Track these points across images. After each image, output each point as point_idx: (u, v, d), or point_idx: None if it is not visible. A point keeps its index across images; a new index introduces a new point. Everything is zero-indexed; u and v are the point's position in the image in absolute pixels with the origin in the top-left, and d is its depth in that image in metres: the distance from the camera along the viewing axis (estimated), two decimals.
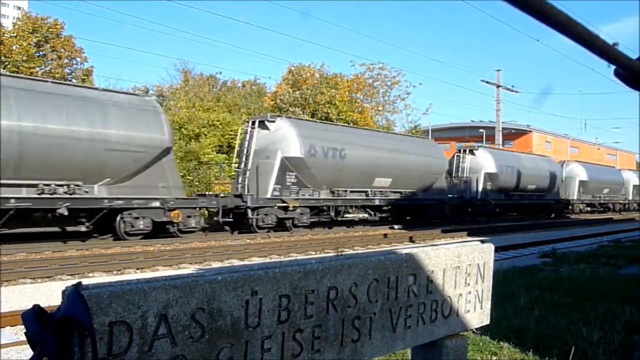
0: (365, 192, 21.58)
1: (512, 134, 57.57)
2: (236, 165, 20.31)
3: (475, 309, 3.07)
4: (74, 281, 1.97)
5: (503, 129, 42.31)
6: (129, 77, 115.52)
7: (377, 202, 22.22)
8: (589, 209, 40.21)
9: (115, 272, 10.67)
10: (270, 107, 34.09)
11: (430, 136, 43.26)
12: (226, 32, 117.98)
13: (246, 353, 1.92)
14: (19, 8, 61.81)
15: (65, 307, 1.52)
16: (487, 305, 3.18)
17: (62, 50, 30.02)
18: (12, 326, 6.08)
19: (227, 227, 18.42)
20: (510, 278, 8.11)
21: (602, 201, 41.57)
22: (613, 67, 1.08)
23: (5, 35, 28.57)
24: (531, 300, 6.28)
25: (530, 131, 61.27)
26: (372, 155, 21.31)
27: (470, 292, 3.02)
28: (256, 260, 12.96)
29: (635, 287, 7.44)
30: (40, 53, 29.25)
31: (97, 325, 1.54)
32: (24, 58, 27.62)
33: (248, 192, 18.10)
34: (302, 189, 19.21)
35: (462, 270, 2.95)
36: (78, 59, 31.63)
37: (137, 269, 11.11)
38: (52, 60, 29.77)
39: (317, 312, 2.17)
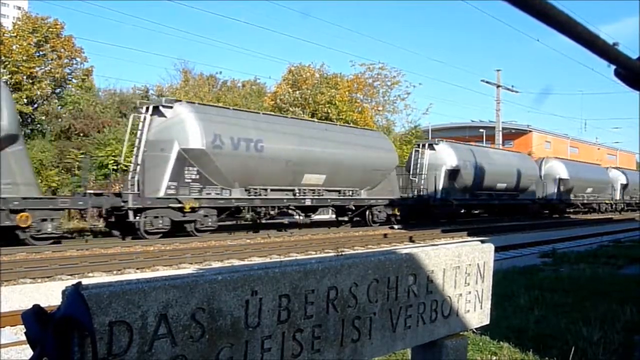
0: (292, 190, 18.83)
1: (512, 134, 57.58)
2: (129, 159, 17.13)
3: (475, 309, 3.07)
4: (74, 281, 1.97)
5: (503, 129, 42.31)
6: (129, 77, 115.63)
7: (307, 203, 19.44)
8: (570, 210, 37.81)
9: (115, 272, 10.67)
10: (270, 107, 34.09)
11: (430, 136, 43.28)
12: (226, 32, 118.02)
13: (246, 353, 1.92)
14: (19, 8, 61.77)
15: (65, 307, 1.52)
16: (487, 305, 3.18)
17: (62, 50, 30.02)
18: (12, 326, 6.08)
19: (115, 232, 15.87)
20: (510, 278, 8.11)
21: (585, 201, 38.83)
22: (613, 67, 1.08)
23: (5, 35, 28.56)
24: (531, 300, 6.29)
25: (530, 131, 61.29)
26: (298, 149, 18.52)
27: (470, 292, 3.02)
28: (256, 260, 12.96)
29: (635, 287, 7.44)
30: (40, 53, 29.25)
31: (97, 325, 1.54)
32: (24, 58, 27.62)
33: (138, 189, 15.29)
34: (207, 187, 16.34)
35: (462, 270, 2.95)
36: (78, 59, 31.65)
37: (137, 269, 11.12)
38: (52, 60, 29.77)
39: (317, 312, 2.17)
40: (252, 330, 1.94)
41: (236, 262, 12.52)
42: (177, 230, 16.12)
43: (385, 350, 2.59)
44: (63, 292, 1.57)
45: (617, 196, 43.84)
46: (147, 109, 16.47)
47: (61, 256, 12.11)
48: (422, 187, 24.93)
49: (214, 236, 16.76)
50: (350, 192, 21.19)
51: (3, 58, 26.80)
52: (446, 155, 25.88)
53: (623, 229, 22.15)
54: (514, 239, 17.97)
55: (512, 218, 28.88)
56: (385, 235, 18.56)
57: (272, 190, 18.24)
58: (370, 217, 22.09)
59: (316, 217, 22.34)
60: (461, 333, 3.06)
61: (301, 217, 20.73)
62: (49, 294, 7.97)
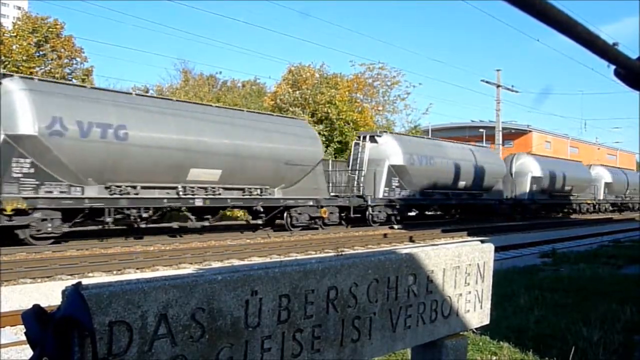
0: (175, 188, 15.52)
1: (512, 134, 57.61)
2: None
3: (475, 308, 3.07)
4: (74, 281, 1.97)
5: (503, 129, 42.30)
6: (129, 77, 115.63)
7: (198, 203, 16.05)
8: (544, 211, 34.47)
9: (115, 272, 10.67)
10: (270, 107, 34.09)
11: (430, 136, 43.27)
12: (226, 32, 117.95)
13: (246, 353, 1.92)
14: (19, 8, 61.79)
15: (65, 307, 1.52)
16: (487, 305, 3.18)
17: (62, 50, 30.01)
18: (12, 326, 6.08)
19: None
20: (510, 278, 8.11)
21: (563, 201, 35.95)
22: (613, 67, 1.08)
23: (5, 35, 28.55)
24: (531, 300, 6.29)
25: (530, 131, 61.32)
26: (180, 139, 15.14)
27: (470, 292, 3.02)
28: (256, 260, 12.96)
29: (635, 287, 7.44)
30: (40, 53, 29.24)
31: (97, 325, 1.54)
32: (24, 58, 27.61)
33: None
34: (47, 184, 13.20)
35: (462, 270, 2.95)
36: (78, 59, 31.63)
37: (137, 269, 11.12)
38: (52, 60, 29.77)
39: (317, 312, 2.17)
40: (252, 330, 1.94)
41: (236, 262, 12.52)
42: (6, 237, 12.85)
43: (385, 350, 2.59)
44: (63, 292, 1.57)
45: (601, 195, 40.87)
46: None
47: (61, 256, 12.11)
48: (361, 185, 22.36)
49: (214, 236, 16.76)
50: (259, 191, 17.80)
51: (3, 58, 26.80)
52: (390, 149, 22.87)
53: (623, 229, 22.15)
54: (514, 239, 17.98)
55: (478, 220, 26.33)
56: (385, 235, 18.56)
57: (143, 187, 14.98)
58: (289, 220, 19.05)
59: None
60: (461, 333, 3.06)
61: (192, 221, 16.79)
62: (49, 294, 7.97)
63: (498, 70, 39.27)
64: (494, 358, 4.25)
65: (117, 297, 1.59)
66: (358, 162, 22.94)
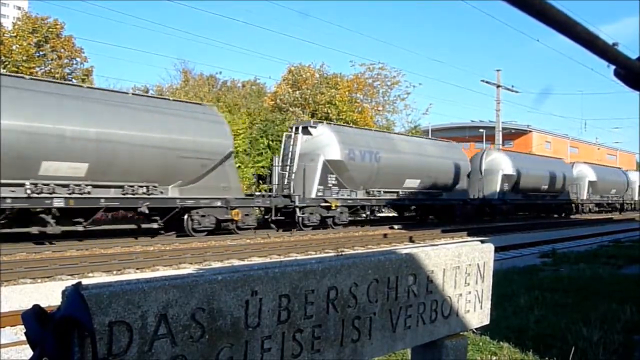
0: (22, 185, 12.77)
1: (512, 134, 57.64)
2: None
3: (475, 309, 3.07)
4: (74, 281, 1.97)
5: (503, 129, 42.32)
6: (129, 77, 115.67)
7: (58, 204, 13.30)
8: (519, 212, 31.88)
9: (115, 272, 10.67)
10: (271, 107, 34.11)
11: (430, 136, 43.26)
12: (226, 32, 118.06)
13: (246, 353, 1.92)
14: (19, 8, 61.80)
15: (65, 307, 1.52)
16: (487, 305, 3.18)
17: (62, 50, 30.02)
18: (12, 326, 6.08)
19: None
20: (510, 278, 8.11)
21: (540, 201, 32.97)
22: (613, 67, 1.08)
23: (5, 35, 28.55)
24: (531, 300, 6.29)
25: (530, 131, 61.34)
26: (27, 125, 12.53)
27: (470, 292, 3.02)
28: (256, 260, 12.96)
29: (635, 287, 7.44)
30: (40, 53, 29.25)
31: (97, 325, 1.54)
32: (24, 58, 27.62)
33: None
34: None
35: (462, 270, 2.95)
36: (78, 59, 31.64)
37: (137, 269, 11.12)
38: (52, 60, 29.78)
39: (317, 312, 2.17)
40: (252, 331, 1.94)
41: (236, 262, 12.52)
42: None
43: (385, 350, 2.59)
44: (63, 292, 1.57)
45: (584, 195, 37.94)
46: None
47: (61, 256, 12.12)
48: (291, 183, 19.97)
49: (214, 236, 16.76)
50: (145, 189, 15.01)
51: (3, 58, 26.80)
52: (326, 142, 20.15)
53: (623, 229, 22.15)
54: (514, 239, 17.98)
55: (439, 223, 24.09)
56: (385, 235, 18.56)
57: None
58: (190, 223, 16.31)
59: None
60: (461, 333, 3.06)
61: (52, 225, 13.66)
62: (49, 294, 7.97)
63: (498, 70, 39.36)
64: (494, 358, 4.26)
65: (117, 297, 1.59)
66: (289, 157, 20.25)
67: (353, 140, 21.09)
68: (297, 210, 19.24)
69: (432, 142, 27.72)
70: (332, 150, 20.10)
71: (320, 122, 22.27)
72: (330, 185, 20.25)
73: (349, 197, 20.98)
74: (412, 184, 23.50)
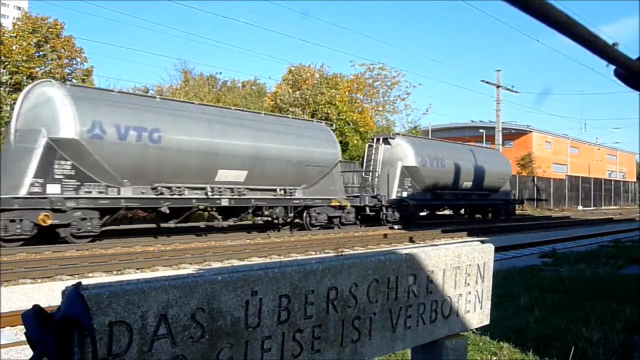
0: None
1: (512, 134, 57.68)
2: None
3: (475, 309, 3.07)
4: (74, 281, 1.97)
5: (503, 129, 42.32)
6: (129, 77, 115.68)
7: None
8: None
9: (115, 272, 10.67)
10: (271, 107, 34.09)
11: (430, 136, 43.26)
12: (226, 32, 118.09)
13: (246, 353, 1.92)
14: (19, 8, 61.82)
15: (65, 307, 1.52)
16: (487, 305, 3.17)
17: (62, 50, 29.99)
18: (12, 326, 6.07)
19: None
20: (510, 278, 8.11)
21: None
22: (613, 67, 1.08)
23: (5, 35, 28.55)
24: (531, 300, 6.28)
25: (530, 131, 61.35)
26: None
27: (470, 292, 3.02)
28: (256, 260, 12.95)
29: (635, 287, 7.43)
30: (40, 53, 29.23)
31: (97, 325, 1.54)
32: (24, 58, 27.60)
33: None
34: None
35: (462, 270, 2.95)
36: (78, 59, 31.60)
37: (137, 269, 11.11)
38: (52, 60, 29.75)
39: (317, 312, 2.17)
40: (252, 331, 1.94)
41: (236, 263, 12.51)
42: None
43: (385, 350, 2.59)
44: (63, 293, 1.57)
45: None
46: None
47: (61, 256, 12.11)
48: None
49: (214, 236, 16.75)
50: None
51: (3, 58, 26.80)
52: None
53: (623, 229, 22.14)
54: (514, 239, 17.97)
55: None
56: (385, 236, 18.54)
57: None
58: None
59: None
60: (461, 333, 3.06)
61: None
62: (49, 294, 7.97)
63: (498, 70, 39.34)
64: (494, 358, 4.25)
65: (117, 297, 1.59)
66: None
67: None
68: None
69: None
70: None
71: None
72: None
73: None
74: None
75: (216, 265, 11.80)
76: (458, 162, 25.99)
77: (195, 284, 1.78)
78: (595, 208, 52.49)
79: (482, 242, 3.25)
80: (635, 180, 74.98)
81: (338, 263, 2.31)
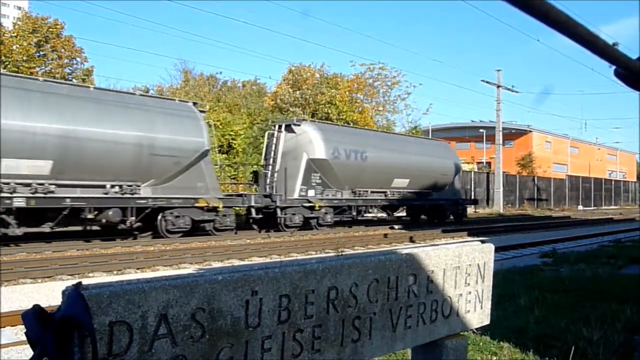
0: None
1: (513, 134, 57.67)
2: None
3: (475, 309, 3.07)
4: (74, 281, 1.97)
5: (503, 129, 42.31)
6: (129, 77, 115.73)
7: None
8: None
9: (115, 272, 10.67)
10: (271, 107, 34.11)
11: (430, 136, 43.23)
12: (226, 32, 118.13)
13: (246, 353, 1.92)
14: (19, 8, 61.82)
15: (66, 307, 1.52)
16: (488, 305, 3.18)
17: (63, 50, 30.02)
18: (12, 326, 6.07)
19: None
20: (510, 278, 8.10)
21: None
22: (613, 67, 1.08)
23: (5, 35, 28.56)
24: (531, 300, 6.28)
25: (530, 131, 61.37)
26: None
27: (470, 292, 3.02)
28: (256, 260, 12.95)
29: (635, 287, 7.43)
30: (41, 53, 29.26)
31: (97, 325, 1.54)
32: (24, 58, 27.62)
33: None
34: None
35: (462, 270, 2.95)
36: (78, 59, 31.65)
37: (137, 269, 11.11)
38: (52, 60, 29.78)
39: (317, 312, 2.17)
40: (252, 331, 1.94)
41: (236, 262, 12.51)
42: None
43: (386, 350, 2.59)
44: (63, 292, 1.57)
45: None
46: None
47: (61, 256, 12.11)
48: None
49: (214, 236, 16.75)
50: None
51: (3, 58, 26.80)
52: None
53: (623, 229, 22.14)
54: (514, 239, 17.96)
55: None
56: (385, 235, 18.54)
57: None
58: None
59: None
60: (461, 333, 3.06)
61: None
62: (49, 294, 7.97)
63: (498, 70, 39.35)
64: (494, 358, 4.25)
65: (117, 297, 1.59)
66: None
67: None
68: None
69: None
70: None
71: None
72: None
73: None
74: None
75: (216, 265, 11.80)
76: (387, 155, 22.05)
77: (195, 283, 1.78)
78: (595, 208, 52.49)
79: (483, 242, 3.25)
80: (635, 180, 74.99)
81: (338, 263, 2.31)
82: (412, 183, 23.64)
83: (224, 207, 16.75)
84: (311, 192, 19.63)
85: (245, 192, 19.68)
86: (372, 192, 22.06)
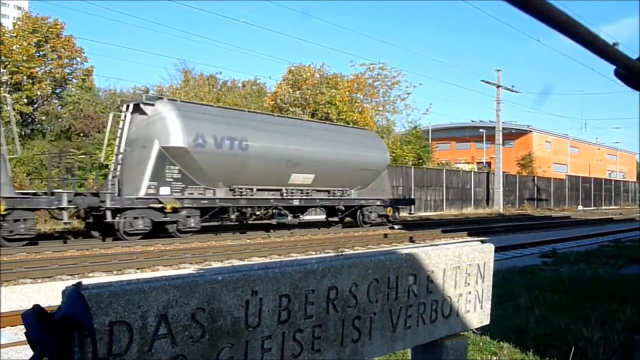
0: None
1: (513, 134, 57.64)
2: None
3: (475, 309, 3.07)
4: (74, 281, 1.97)
5: (503, 129, 42.32)
6: (129, 77, 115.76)
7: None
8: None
9: (115, 272, 10.67)
10: (271, 107, 34.10)
11: (430, 136, 43.22)
12: (226, 32, 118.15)
13: (246, 353, 1.92)
14: (19, 8, 61.79)
15: (66, 307, 1.52)
16: (488, 305, 3.17)
17: (62, 50, 30.02)
18: (12, 326, 6.08)
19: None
20: (510, 278, 8.11)
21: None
22: (613, 67, 1.08)
23: (5, 35, 28.55)
24: (531, 300, 6.28)
25: (530, 131, 61.35)
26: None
27: (470, 292, 3.02)
28: (256, 260, 12.96)
29: (635, 287, 7.43)
30: (41, 53, 29.25)
31: (97, 325, 1.54)
32: (24, 58, 27.62)
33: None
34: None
35: (463, 270, 2.94)
36: (78, 59, 31.66)
37: (137, 269, 11.11)
38: (52, 60, 29.77)
39: (317, 312, 2.17)
40: (253, 331, 1.94)
41: (236, 262, 12.52)
42: None
43: (386, 350, 2.59)
44: (63, 292, 1.57)
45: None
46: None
47: (61, 256, 12.12)
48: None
49: (214, 236, 16.75)
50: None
51: (3, 58, 26.80)
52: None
53: (623, 229, 22.13)
54: (514, 239, 17.96)
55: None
56: (385, 235, 18.54)
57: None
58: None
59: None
60: (461, 333, 3.06)
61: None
62: (49, 294, 7.97)
63: (498, 70, 39.36)
64: (494, 358, 4.25)
65: (117, 297, 1.59)
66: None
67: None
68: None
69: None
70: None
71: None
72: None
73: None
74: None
75: (216, 265, 11.80)
76: (280, 145, 18.27)
77: (195, 283, 1.78)
78: (595, 208, 52.47)
79: (483, 242, 3.25)
80: (635, 180, 74.97)
81: (338, 263, 2.31)
82: (319, 179, 19.81)
83: (7, 209, 13.02)
84: (165, 190, 15.59)
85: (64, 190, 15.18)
86: (259, 190, 18.14)
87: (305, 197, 19.86)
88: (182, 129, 15.88)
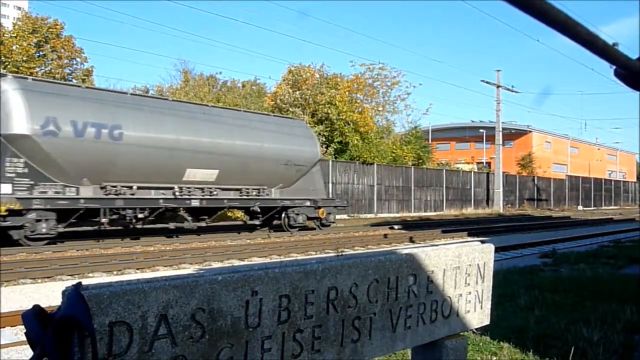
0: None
1: (512, 134, 57.67)
2: None
3: (475, 309, 3.07)
4: (74, 281, 1.97)
5: (503, 129, 42.33)
6: (129, 77, 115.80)
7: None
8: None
9: (115, 272, 10.67)
10: (271, 107, 34.10)
11: (430, 136, 43.22)
12: (226, 32, 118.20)
13: (246, 353, 1.92)
14: (19, 8, 61.82)
15: (66, 307, 1.52)
16: (487, 305, 3.17)
17: (62, 50, 30.01)
18: (12, 326, 6.07)
19: None
20: (510, 278, 8.10)
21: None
22: (613, 68, 1.08)
23: (5, 35, 28.56)
24: (531, 300, 6.28)
25: (530, 131, 61.36)
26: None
27: (470, 292, 3.02)
28: (256, 260, 12.95)
29: (635, 287, 7.43)
30: (41, 53, 29.25)
31: (97, 325, 1.54)
32: (24, 58, 27.62)
33: None
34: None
35: (462, 270, 2.94)
36: (78, 59, 31.64)
37: (137, 269, 11.11)
38: (52, 60, 29.77)
39: (317, 312, 2.17)
40: (253, 331, 1.94)
41: (236, 263, 12.51)
42: None
43: (386, 350, 2.58)
44: (63, 293, 1.57)
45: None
46: None
47: (61, 256, 12.11)
48: None
49: (214, 237, 16.75)
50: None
51: (3, 58, 26.80)
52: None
53: (623, 229, 22.13)
54: (514, 239, 17.95)
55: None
56: (385, 236, 18.53)
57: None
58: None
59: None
60: (461, 333, 3.06)
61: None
62: (49, 294, 7.97)
63: (498, 70, 39.38)
64: (494, 358, 4.25)
65: (117, 297, 1.59)
66: None
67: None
68: None
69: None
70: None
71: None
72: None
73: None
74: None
75: (216, 265, 11.80)
76: (169, 135, 15.43)
77: (195, 284, 1.78)
78: (595, 208, 52.47)
79: (483, 242, 3.25)
80: (635, 180, 74.96)
81: (338, 263, 2.31)
82: (225, 176, 16.96)
83: None
84: (5, 188, 12.78)
85: None
86: (141, 188, 15.30)
87: (208, 197, 16.65)
88: (26, 113, 12.96)
